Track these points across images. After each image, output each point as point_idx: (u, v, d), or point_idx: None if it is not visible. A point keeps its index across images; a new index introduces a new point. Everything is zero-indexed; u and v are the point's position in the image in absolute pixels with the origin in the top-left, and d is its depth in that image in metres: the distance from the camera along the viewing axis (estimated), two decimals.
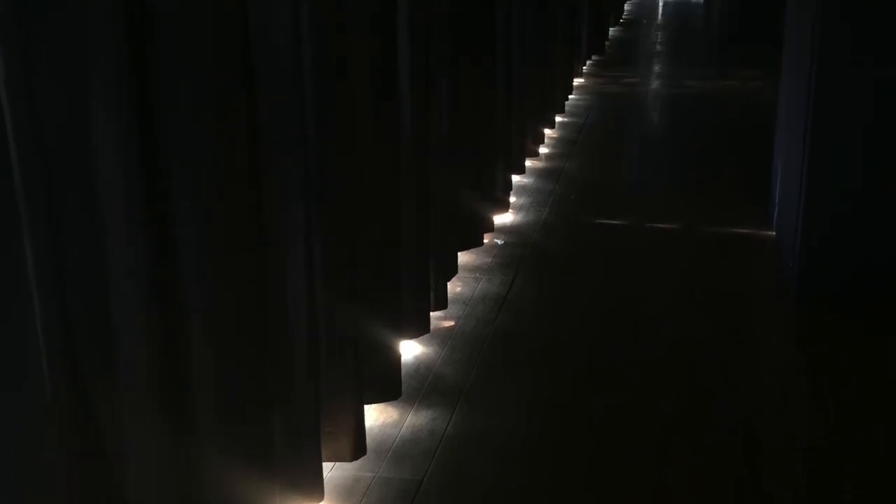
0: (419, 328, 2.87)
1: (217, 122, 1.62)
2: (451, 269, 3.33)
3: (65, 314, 1.39)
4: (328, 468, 2.20)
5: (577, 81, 7.31)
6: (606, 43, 9.51)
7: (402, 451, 2.35)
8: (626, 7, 13.47)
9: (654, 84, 7.64)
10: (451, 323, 3.09)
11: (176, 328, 1.61)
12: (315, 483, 2.04)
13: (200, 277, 1.63)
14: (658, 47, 9.83)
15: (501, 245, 3.85)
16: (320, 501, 2.07)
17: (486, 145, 3.76)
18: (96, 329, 1.45)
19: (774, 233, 3.88)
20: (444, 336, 2.99)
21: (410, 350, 2.85)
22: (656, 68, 8.43)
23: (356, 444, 2.24)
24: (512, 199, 4.38)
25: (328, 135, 2.05)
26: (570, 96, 6.79)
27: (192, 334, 1.64)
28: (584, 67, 7.95)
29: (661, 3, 15.07)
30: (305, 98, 1.94)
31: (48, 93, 1.32)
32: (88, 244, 1.41)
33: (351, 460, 2.24)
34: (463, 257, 3.56)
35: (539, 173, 4.91)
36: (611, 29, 10.42)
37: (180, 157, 1.55)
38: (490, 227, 3.91)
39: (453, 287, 3.32)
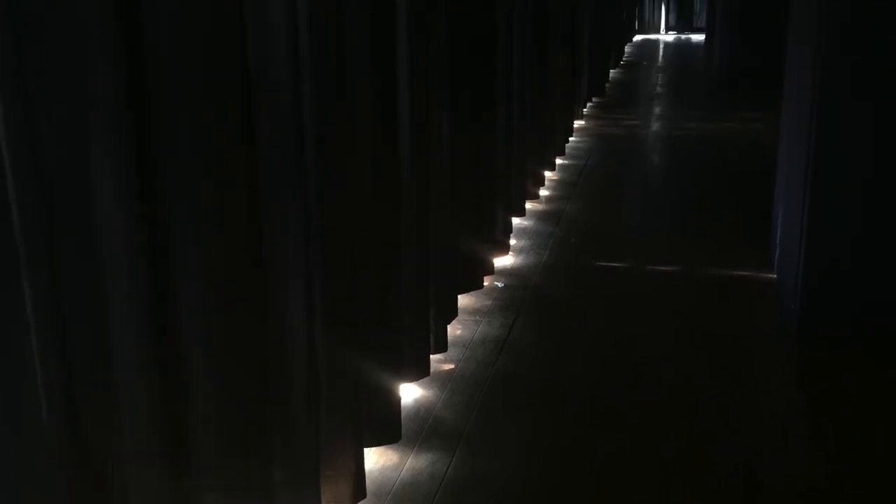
0: (419, 371, 2.90)
1: (216, 162, 1.66)
2: (451, 312, 3.36)
3: (64, 353, 1.42)
4: None
5: (577, 123, 7.41)
6: (607, 85, 9.63)
7: (401, 494, 2.37)
8: (627, 49, 13.64)
9: (655, 126, 7.72)
10: (451, 366, 3.12)
11: (175, 370, 1.64)
12: None
13: (200, 319, 1.67)
14: (658, 89, 9.94)
15: (501, 288, 3.89)
16: None
17: (486, 188, 3.81)
18: (96, 374, 1.47)
19: (775, 275, 3.92)
20: (444, 379, 3.02)
21: (410, 393, 2.88)
22: (657, 110, 8.52)
23: (356, 488, 2.26)
24: (512, 241, 4.43)
25: (328, 178, 2.09)
26: (571, 138, 6.88)
27: (191, 377, 1.68)
28: (585, 109, 8.06)
29: (661, 45, 15.26)
30: (305, 143, 1.98)
31: (47, 136, 1.35)
32: (88, 282, 1.44)
33: None
34: (463, 300, 3.60)
35: (539, 216, 4.97)
36: (611, 71, 10.55)
37: (179, 197, 1.59)
38: (490, 270, 3.95)
39: (453, 330, 3.36)
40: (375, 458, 2.51)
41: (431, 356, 3.02)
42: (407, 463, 2.52)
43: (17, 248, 1.31)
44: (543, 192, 5.39)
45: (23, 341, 1.32)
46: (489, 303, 3.70)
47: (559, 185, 5.65)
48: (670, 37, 16.78)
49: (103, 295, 1.46)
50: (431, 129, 2.92)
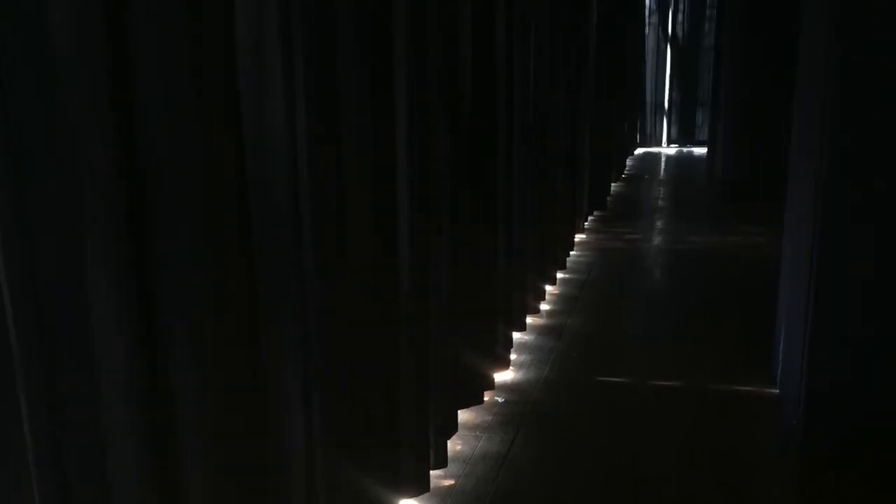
0: (419, 487, 2.95)
1: (215, 283, 1.73)
2: (451, 427, 3.43)
3: (63, 485, 1.47)
4: None
5: (578, 237, 7.56)
6: (608, 198, 9.82)
7: None
8: (629, 162, 13.92)
9: (657, 240, 7.87)
10: (451, 482, 3.17)
11: (175, 491, 1.68)
12: None
13: (200, 438, 1.72)
14: (660, 202, 10.14)
15: (502, 403, 3.96)
16: None
17: (486, 302, 3.91)
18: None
19: (777, 390, 3.99)
20: (444, 495, 3.06)
21: None
22: (658, 224, 8.69)
23: None
24: (513, 356, 4.51)
25: (327, 293, 2.18)
26: (572, 252, 7.01)
27: (190, 496, 1.72)
28: (586, 223, 8.22)
29: (663, 158, 15.57)
30: (304, 259, 2.08)
31: (45, 265, 1.42)
32: (87, 414, 1.50)
33: None
34: (463, 415, 3.66)
35: (540, 330, 5.06)
36: (613, 184, 10.76)
37: (176, 317, 1.64)
38: (490, 385, 4.02)
39: (453, 445, 3.41)
40: None
41: (431, 472, 3.07)
42: None
43: (15, 387, 1.39)
44: (544, 307, 5.50)
45: (20, 472, 1.39)
46: (489, 418, 3.76)
47: (560, 299, 5.76)
48: (672, 150, 17.12)
49: (102, 424, 1.52)
50: (431, 244, 3.03)
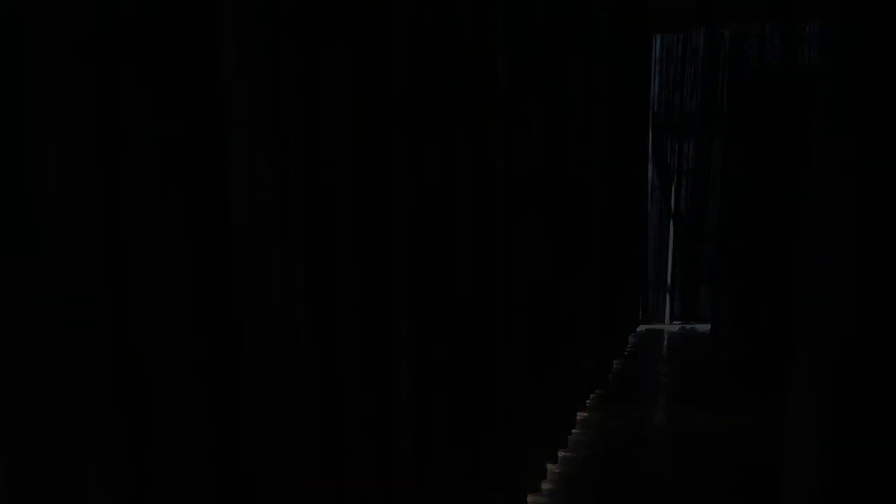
0: None
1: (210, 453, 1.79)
2: None
3: None
4: None
5: (580, 416, 7.65)
6: (610, 376, 9.94)
7: None
8: (630, 339, 14.07)
9: (660, 418, 7.96)
10: None
11: None
12: None
13: None
14: (663, 379, 10.25)
15: None
16: None
17: (485, 480, 3.99)
18: None
19: None
20: None
21: None
22: (661, 402, 8.79)
23: None
24: None
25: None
26: (573, 430, 7.10)
27: None
28: (588, 401, 8.32)
29: (665, 335, 15.74)
30: (303, 476, 2.18)
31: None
32: None
33: None
34: None
35: None
36: (614, 361, 10.89)
37: None
38: None
39: None
40: None
41: None
42: None
43: None
44: (545, 485, 5.56)
45: None
46: None
47: (561, 478, 5.82)
48: (675, 326, 17.29)
49: None
50: (429, 418, 3.14)
